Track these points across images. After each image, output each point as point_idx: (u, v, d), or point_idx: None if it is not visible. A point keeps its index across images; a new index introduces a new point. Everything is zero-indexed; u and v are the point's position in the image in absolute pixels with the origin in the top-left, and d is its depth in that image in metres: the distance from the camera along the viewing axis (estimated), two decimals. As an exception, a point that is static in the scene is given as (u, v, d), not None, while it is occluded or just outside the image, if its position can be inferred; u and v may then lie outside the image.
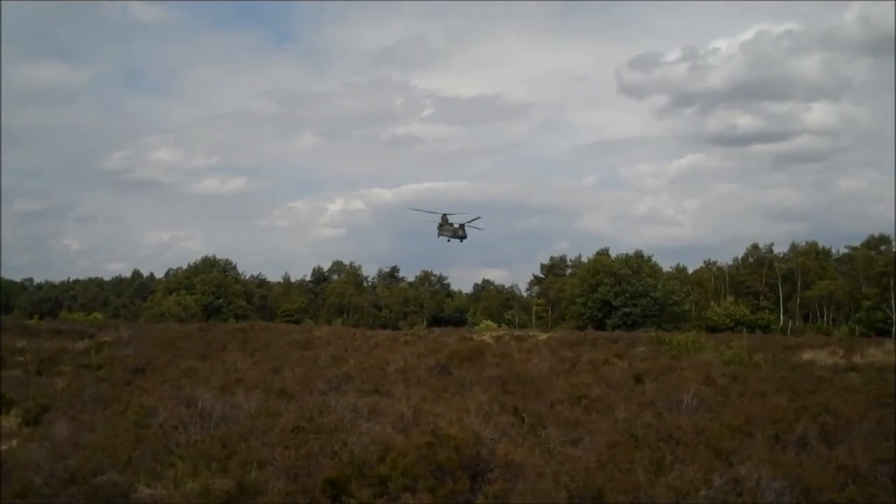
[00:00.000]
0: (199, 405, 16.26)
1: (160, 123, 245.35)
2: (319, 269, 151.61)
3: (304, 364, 29.26)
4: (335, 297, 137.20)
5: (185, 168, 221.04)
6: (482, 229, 68.17)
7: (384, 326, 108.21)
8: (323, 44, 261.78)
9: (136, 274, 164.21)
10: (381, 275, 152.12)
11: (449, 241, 63.32)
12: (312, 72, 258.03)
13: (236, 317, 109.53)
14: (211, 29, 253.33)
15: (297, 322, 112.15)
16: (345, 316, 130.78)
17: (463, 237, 62.56)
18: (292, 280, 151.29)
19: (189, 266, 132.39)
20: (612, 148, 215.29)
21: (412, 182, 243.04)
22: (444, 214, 62.94)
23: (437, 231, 63.76)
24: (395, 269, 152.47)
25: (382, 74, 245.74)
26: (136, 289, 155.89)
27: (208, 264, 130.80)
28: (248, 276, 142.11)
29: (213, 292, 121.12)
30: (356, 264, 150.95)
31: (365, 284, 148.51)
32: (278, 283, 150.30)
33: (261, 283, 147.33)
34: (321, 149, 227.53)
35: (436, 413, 15.49)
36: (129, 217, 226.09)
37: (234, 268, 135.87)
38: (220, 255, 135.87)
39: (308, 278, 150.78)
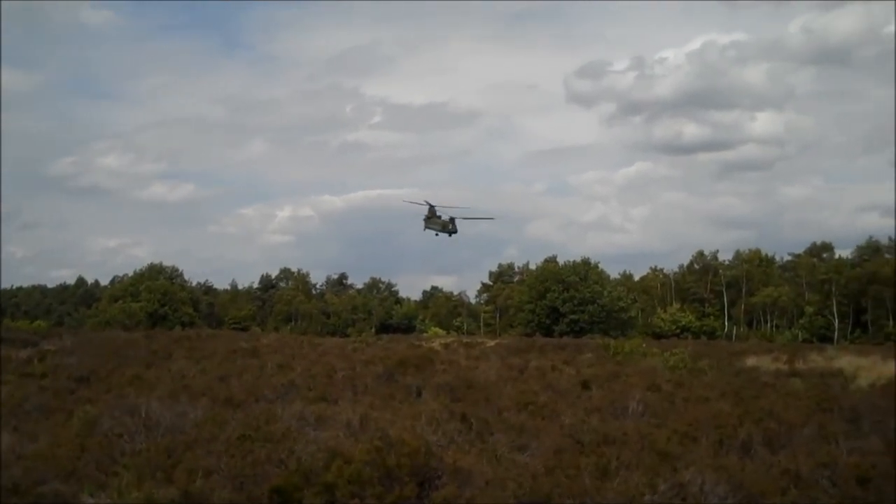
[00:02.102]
0: (144, 414, 16.13)
1: (109, 129, 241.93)
2: (267, 276, 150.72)
3: (251, 372, 29.12)
4: (283, 304, 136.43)
5: (133, 174, 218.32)
6: (492, 217, 66.38)
7: (333, 334, 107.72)
8: (274, 50, 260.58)
9: (81, 281, 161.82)
10: (329, 282, 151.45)
11: (437, 235, 57.61)
12: (263, 78, 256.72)
13: (183, 324, 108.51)
14: (161, 34, 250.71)
15: (244, 329, 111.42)
16: (293, 323, 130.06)
17: (453, 231, 56.65)
18: (240, 287, 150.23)
19: (135, 273, 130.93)
20: (561, 155, 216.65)
21: (362, 189, 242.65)
22: (432, 206, 57.55)
23: (423, 224, 57.86)
24: (343, 276, 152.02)
25: (333, 81, 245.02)
26: (81, 296, 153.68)
27: (154, 271, 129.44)
28: (195, 284, 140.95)
29: (159, 300, 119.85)
30: (305, 271, 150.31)
31: (313, 291, 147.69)
32: (226, 291, 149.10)
33: (208, 290, 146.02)
34: (271, 155, 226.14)
35: (383, 420, 15.49)
36: (75, 224, 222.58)
37: (181, 275, 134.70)
38: (168, 262, 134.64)
39: (256, 285, 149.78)
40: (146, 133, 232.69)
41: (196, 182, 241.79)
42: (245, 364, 33.04)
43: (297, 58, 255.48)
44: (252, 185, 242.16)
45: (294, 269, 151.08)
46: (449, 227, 55.82)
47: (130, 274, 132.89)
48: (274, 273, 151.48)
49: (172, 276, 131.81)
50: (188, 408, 17.70)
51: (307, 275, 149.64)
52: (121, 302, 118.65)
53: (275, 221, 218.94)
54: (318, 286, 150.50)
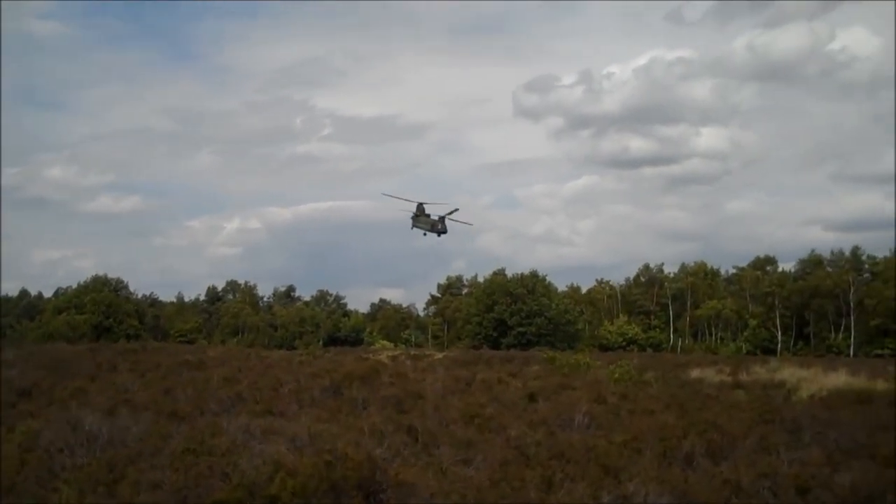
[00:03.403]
0: (87, 428, 15.91)
1: (55, 140, 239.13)
2: (214, 288, 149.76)
3: (197, 385, 28.83)
4: (230, 316, 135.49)
5: (79, 186, 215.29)
6: (471, 224, 65.89)
7: (280, 346, 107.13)
8: (224, 62, 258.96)
9: (24, 293, 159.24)
10: (277, 294, 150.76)
11: (425, 235, 56.00)
12: (212, 90, 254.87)
13: (128, 337, 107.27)
14: (109, 45, 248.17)
15: (190, 342, 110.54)
16: (240, 336, 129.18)
17: (442, 231, 54.99)
18: (186, 300, 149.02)
19: (79, 285, 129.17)
20: (509, 169, 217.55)
21: (311, 201, 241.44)
22: (421, 204, 55.87)
23: (410, 223, 56.31)
24: (291, 289, 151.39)
25: (283, 93, 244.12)
26: (24, 308, 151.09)
27: (99, 283, 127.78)
28: (140, 296, 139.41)
29: (104, 312, 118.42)
30: (252, 284, 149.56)
31: (261, 304, 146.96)
32: (172, 303, 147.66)
33: (153, 302, 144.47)
34: (219, 167, 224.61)
35: (329, 433, 15.43)
36: (18, 235, 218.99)
37: (126, 287, 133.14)
38: (113, 275, 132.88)
39: (202, 298, 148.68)
40: (93, 144, 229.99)
41: (143, 194, 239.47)
42: (190, 377, 32.73)
43: (246, 70, 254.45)
44: (200, 197, 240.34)
45: (241, 281, 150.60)
46: (438, 227, 54.54)
47: (75, 286, 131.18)
48: (221, 285, 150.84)
49: (117, 288, 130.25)
50: (131, 421, 17.50)
51: (254, 287, 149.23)
52: (65, 314, 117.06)
53: (222, 233, 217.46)
54: (265, 299, 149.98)
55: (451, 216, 54.78)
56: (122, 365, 40.80)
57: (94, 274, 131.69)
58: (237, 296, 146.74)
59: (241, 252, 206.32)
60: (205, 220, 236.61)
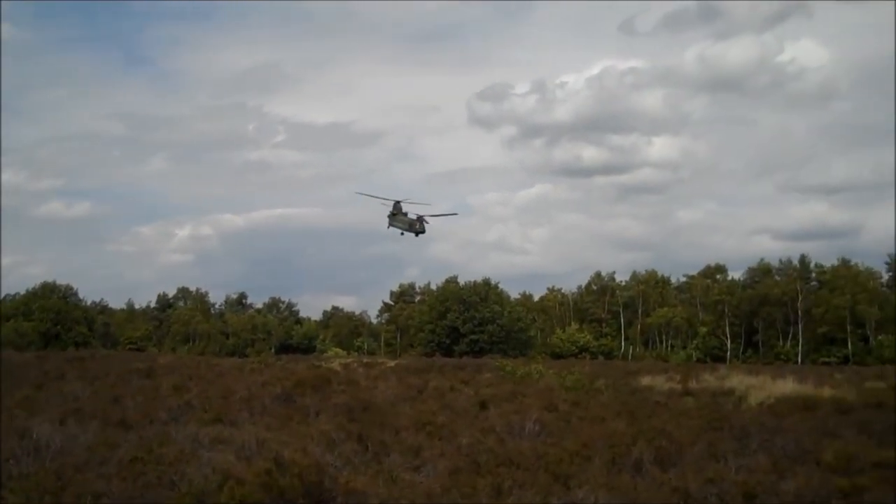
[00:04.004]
0: (34, 436, 15.73)
1: (5, 144, 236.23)
2: (165, 295, 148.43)
3: (146, 393, 28.57)
4: (181, 324, 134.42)
5: (29, 190, 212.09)
6: (455, 214, 64.63)
7: (231, 354, 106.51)
8: (177, 67, 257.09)
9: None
10: (228, 301, 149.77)
11: (402, 234, 54.08)
12: (165, 95, 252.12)
13: (76, 344, 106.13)
14: (60, 48, 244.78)
15: (140, 350, 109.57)
16: (191, 343, 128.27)
17: (420, 231, 53.24)
18: (137, 307, 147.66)
19: (28, 292, 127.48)
20: (463, 176, 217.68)
21: (264, 208, 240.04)
22: (398, 201, 53.72)
23: (387, 221, 54.33)
24: (243, 296, 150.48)
25: (236, 99, 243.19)
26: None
27: (48, 290, 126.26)
28: (90, 303, 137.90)
29: (53, 319, 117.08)
30: (203, 291, 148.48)
31: (212, 311, 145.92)
32: (122, 310, 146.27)
33: (103, 309, 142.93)
34: (172, 173, 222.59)
35: (279, 441, 15.37)
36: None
37: (76, 294, 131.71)
38: (63, 281, 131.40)
39: (153, 305, 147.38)
40: (43, 149, 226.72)
41: (94, 199, 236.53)
42: (140, 385, 32.44)
43: (199, 75, 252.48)
44: (151, 203, 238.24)
45: (193, 288, 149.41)
46: (416, 226, 53.05)
47: (23, 293, 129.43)
48: (172, 292, 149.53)
49: (67, 294, 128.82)
50: (80, 430, 17.33)
51: (206, 294, 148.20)
52: (12, 321, 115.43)
53: (174, 240, 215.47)
54: (217, 306, 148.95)
55: (434, 214, 53.99)
56: (70, 373, 40.26)
57: (43, 280, 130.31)
58: (188, 303, 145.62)
59: (192, 259, 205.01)
60: (156, 226, 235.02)
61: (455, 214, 65.11)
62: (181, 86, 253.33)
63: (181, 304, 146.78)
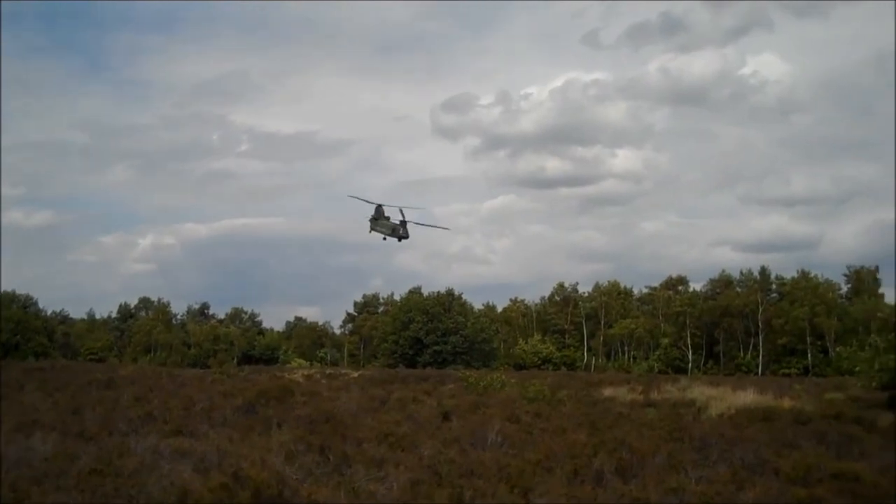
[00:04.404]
0: (-9, 448, 15.58)
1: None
2: (126, 305, 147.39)
3: (106, 404, 28.30)
4: (142, 334, 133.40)
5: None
6: (447, 228, 64.34)
7: (193, 365, 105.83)
8: (140, 76, 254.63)
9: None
10: (190, 312, 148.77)
11: (385, 239, 52.55)
12: (128, 103, 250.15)
13: (36, 355, 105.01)
14: (21, 56, 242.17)
15: (101, 360, 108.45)
16: (152, 354, 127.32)
17: (403, 236, 51.57)
18: (98, 317, 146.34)
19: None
20: (427, 187, 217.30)
21: (227, 217, 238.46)
22: (380, 206, 52.40)
23: (369, 226, 52.86)
24: (205, 306, 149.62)
25: (200, 108, 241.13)
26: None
27: (7, 299, 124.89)
28: (50, 313, 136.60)
29: (12, 329, 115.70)
30: (165, 301, 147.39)
31: (174, 322, 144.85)
32: (83, 320, 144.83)
33: (64, 319, 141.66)
34: (134, 182, 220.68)
35: (240, 454, 15.31)
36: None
37: (36, 303, 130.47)
38: (22, 291, 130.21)
39: (114, 315, 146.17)
40: (4, 156, 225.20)
41: (55, 208, 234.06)
42: (100, 396, 32.13)
43: (163, 84, 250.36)
44: (113, 212, 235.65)
45: (154, 298, 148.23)
46: (399, 231, 51.58)
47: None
48: (133, 302, 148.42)
49: (26, 304, 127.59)
50: (38, 442, 17.16)
51: (168, 304, 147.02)
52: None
53: (136, 249, 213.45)
54: (179, 316, 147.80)
55: (419, 222, 52.54)
56: (29, 384, 39.82)
57: (2, 290, 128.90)
58: (150, 313, 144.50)
59: (154, 269, 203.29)
60: (118, 235, 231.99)
61: (447, 229, 64.52)
62: (144, 94, 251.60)
63: (143, 314, 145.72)
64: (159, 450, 16.07)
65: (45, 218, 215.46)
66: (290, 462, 14.57)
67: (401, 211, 51.29)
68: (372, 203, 52.64)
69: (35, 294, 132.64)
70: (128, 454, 15.34)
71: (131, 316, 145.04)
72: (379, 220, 52.15)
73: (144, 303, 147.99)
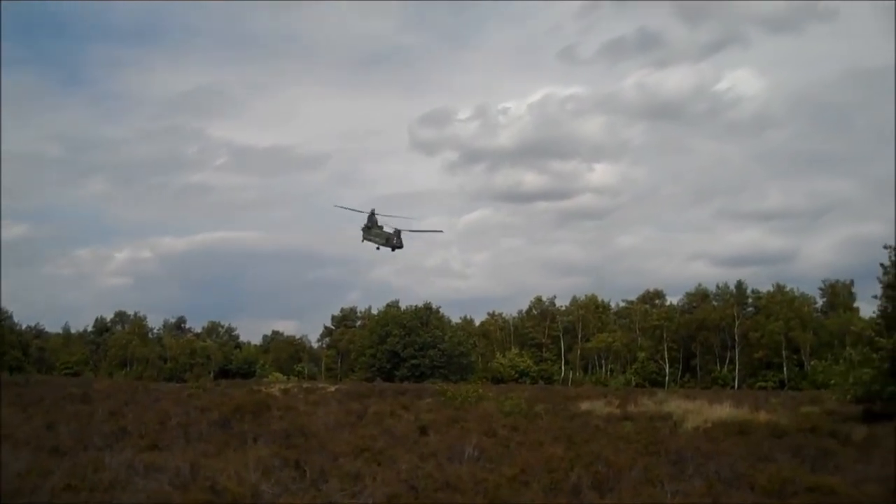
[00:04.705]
0: (-37, 464, 15.45)
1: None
2: (102, 319, 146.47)
3: (81, 419, 28.13)
4: (118, 348, 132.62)
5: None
6: (441, 231, 63.56)
7: (169, 379, 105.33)
8: (116, 89, 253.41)
9: None
10: (167, 325, 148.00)
11: (378, 249, 51.23)
12: (105, 116, 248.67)
13: (10, 369, 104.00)
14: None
15: (76, 375, 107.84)
16: (128, 368, 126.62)
17: (397, 246, 50.11)
18: (73, 331, 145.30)
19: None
20: (404, 200, 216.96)
21: (204, 231, 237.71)
22: (373, 214, 50.77)
23: (361, 235, 51.50)
24: (182, 320, 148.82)
25: (177, 122, 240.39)
26: None
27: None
28: (25, 327, 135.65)
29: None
30: (142, 314, 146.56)
31: (150, 335, 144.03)
32: (58, 334, 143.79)
33: (39, 333, 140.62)
34: (110, 195, 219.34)
35: (215, 468, 15.24)
36: None
37: (10, 317, 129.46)
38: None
39: (90, 329, 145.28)
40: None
41: (30, 221, 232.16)
42: (75, 411, 31.93)
43: (140, 97, 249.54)
44: (89, 225, 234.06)
45: (130, 312, 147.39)
46: (393, 241, 50.19)
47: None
48: (109, 316, 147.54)
49: (1, 318, 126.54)
50: (11, 457, 17.03)
51: (144, 318, 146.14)
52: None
53: (112, 263, 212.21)
54: (155, 330, 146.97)
55: (414, 229, 51.37)
56: (3, 399, 39.59)
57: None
58: (126, 327, 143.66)
59: (131, 282, 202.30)
60: (94, 249, 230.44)
61: (440, 231, 63.92)
62: (122, 107, 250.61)
63: (119, 328, 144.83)
64: (134, 465, 15.97)
65: (21, 231, 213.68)
66: (266, 477, 14.51)
67: (370, 216, 50.81)
68: (361, 212, 51.46)
69: (10, 308, 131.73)
70: (102, 469, 15.24)
71: (107, 330, 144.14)
72: (372, 229, 50.88)
73: (120, 316, 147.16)
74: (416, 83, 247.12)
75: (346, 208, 51.76)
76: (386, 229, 50.44)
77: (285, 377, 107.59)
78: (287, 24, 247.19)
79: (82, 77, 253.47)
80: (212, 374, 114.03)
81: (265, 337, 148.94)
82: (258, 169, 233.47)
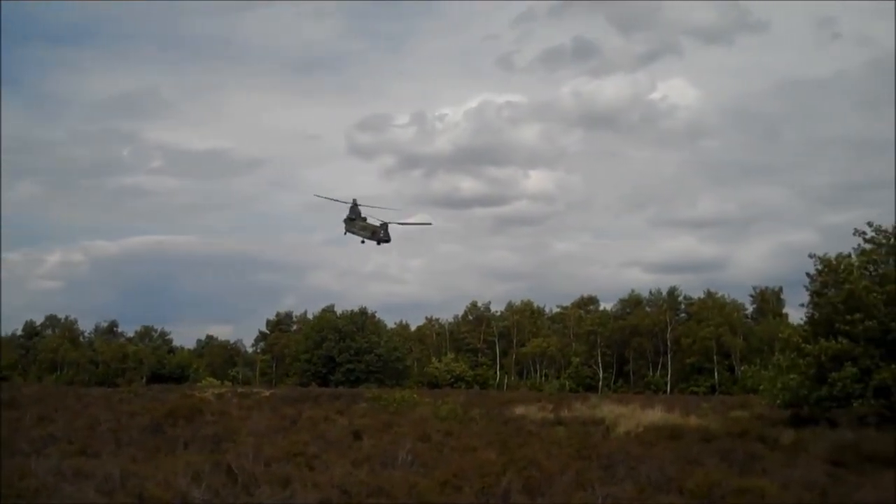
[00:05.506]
0: None
1: None
2: (32, 323, 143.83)
3: (8, 424, 27.70)
4: (48, 352, 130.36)
5: None
6: (430, 224, 62.46)
7: (101, 384, 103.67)
8: (48, 90, 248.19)
9: None
10: (98, 330, 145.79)
11: (363, 242, 48.70)
12: (36, 118, 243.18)
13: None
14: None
15: (4, 379, 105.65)
16: (58, 373, 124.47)
17: (384, 240, 47.61)
18: (2, 335, 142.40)
19: None
20: (342, 206, 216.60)
21: (138, 235, 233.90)
22: (356, 205, 48.69)
23: (344, 226, 49.38)
24: (114, 324, 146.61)
25: (111, 124, 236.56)
26: None
27: None
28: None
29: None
30: (73, 318, 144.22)
31: (82, 340, 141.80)
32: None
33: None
34: (42, 198, 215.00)
35: (144, 475, 15.10)
36: None
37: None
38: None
39: (19, 333, 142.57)
40: None
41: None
42: (1, 416, 31.42)
43: (73, 98, 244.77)
44: (20, 228, 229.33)
45: (62, 316, 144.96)
46: (380, 234, 47.82)
47: None
48: (40, 320, 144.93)
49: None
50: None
51: (75, 322, 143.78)
52: None
53: (43, 266, 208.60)
54: (86, 334, 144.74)
55: (401, 222, 49.56)
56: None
57: None
58: (57, 331, 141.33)
59: (62, 286, 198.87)
60: (25, 252, 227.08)
61: (429, 224, 62.70)
62: (55, 109, 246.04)
63: (49, 332, 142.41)
64: (61, 471, 15.76)
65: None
66: (196, 482, 14.40)
67: (352, 207, 49.26)
68: (342, 202, 49.58)
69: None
70: (29, 475, 15.01)
71: (37, 334, 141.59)
72: (356, 220, 48.72)
73: (51, 320, 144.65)
74: (354, 88, 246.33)
75: (325, 198, 50.53)
76: (372, 222, 48.37)
77: (219, 382, 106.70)
78: (224, 27, 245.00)
79: (14, 78, 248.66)
80: (144, 379, 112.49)
81: (199, 341, 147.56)
82: (194, 172, 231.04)
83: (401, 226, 50.07)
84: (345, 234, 49.11)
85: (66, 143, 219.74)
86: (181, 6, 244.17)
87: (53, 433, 24.43)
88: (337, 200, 49.79)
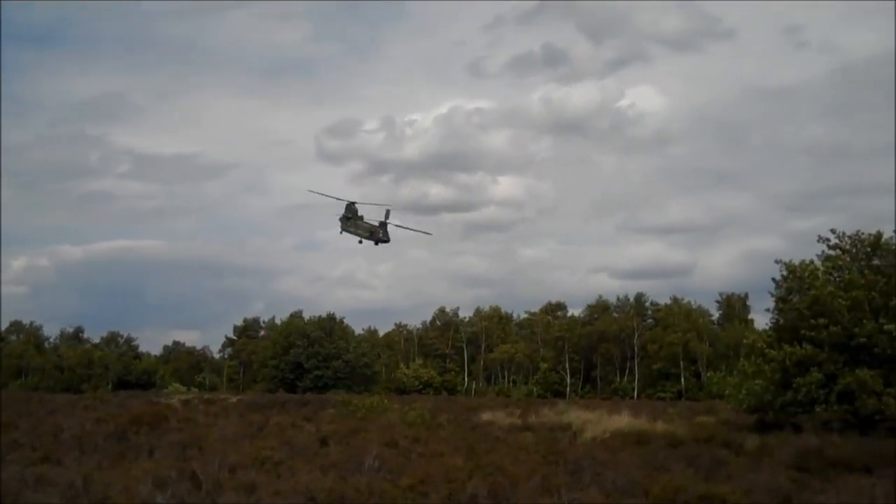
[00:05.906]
0: None
1: None
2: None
3: (-30, 432, 27.41)
4: (13, 358, 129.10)
5: None
6: (430, 234, 61.19)
7: (66, 390, 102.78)
8: (13, 93, 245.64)
9: None
10: (64, 335, 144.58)
11: (361, 242, 47.56)
12: (2, 120, 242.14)
13: None
14: None
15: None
16: (23, 379, 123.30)
17: (382, 240, 46.15)
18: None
19: None
20: (310, 211, 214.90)
21: (105, 239, 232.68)
22: (352, 203, 47.48)
23: (340, 225, 48.40)
24: (79, 330, 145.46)
25: (79, 128, 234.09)
26: None
27: None
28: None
29: None
30: (37, 324, 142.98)
31: (47, 345, 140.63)
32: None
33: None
34: (7, 202, 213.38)
35: (108, 482, 14.99)
36: None
37: None
38: None
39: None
40: None
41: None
42: (-36, 423, 31.10)
43: (39, 102, 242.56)
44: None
45: (26, 321, 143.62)
46: (378, 234, 46.37)
47: None
48: (4, 326, 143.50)
49: None
50: None
51: (40, 328, 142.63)
52: None
53: (8, 271, 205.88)
54: (51, 340, 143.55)
55: (404, 228, 47.91)
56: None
57: None
58: (21, 337, 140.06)
59: (27, 291, 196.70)
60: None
61: (429, 234, 62.13)
62: (21, 112, 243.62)
63: (14, 337, 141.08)
64: (24, 478, 15.62)
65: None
66: (160, 489, 14.33)
67: (348, 206, 48.00)
68: (338, 199, 48.46)
69: None
70: (-9, 483, 14.88)
71: (1, 339, 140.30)
72: (352, 219, 47.69)
73: (15, 326, 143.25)
74: (323, 93, 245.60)
75: (320, 194, 49.06)
76: (369, 221, 47.13)
77: (185, 388, 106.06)
78: (192, 31, 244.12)
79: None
80: (110, 386, 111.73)
81: (166, 347, 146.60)
82: (161, 177, 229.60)
83: (402, 229, 48.81)
84: (340, 233, 48.41)
85: (33, 147, 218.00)
86: (147, 7, 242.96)
87: (17, 440, 24.20)
88: (332, 197, 48.94)
